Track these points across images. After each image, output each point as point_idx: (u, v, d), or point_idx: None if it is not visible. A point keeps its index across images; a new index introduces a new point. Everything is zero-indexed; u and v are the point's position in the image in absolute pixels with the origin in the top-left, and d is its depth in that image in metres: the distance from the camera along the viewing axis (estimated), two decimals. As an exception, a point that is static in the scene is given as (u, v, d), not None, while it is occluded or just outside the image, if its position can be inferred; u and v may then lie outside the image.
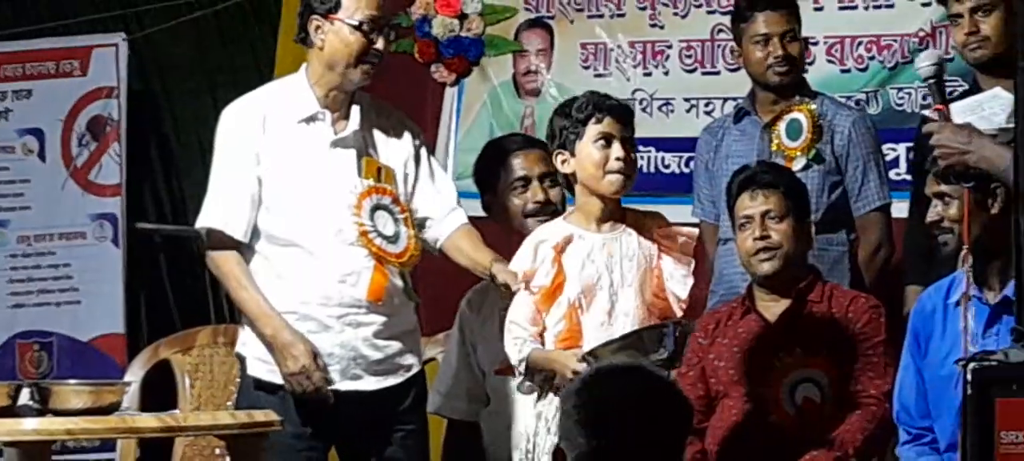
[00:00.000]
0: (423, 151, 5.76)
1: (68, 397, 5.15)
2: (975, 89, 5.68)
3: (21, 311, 8.14)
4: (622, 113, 5.30)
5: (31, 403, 5.09)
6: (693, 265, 5.41)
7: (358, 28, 5.40)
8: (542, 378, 5.26)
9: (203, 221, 5.56)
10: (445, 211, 5.67)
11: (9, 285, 8.20)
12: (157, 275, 8.48)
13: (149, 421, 5.62)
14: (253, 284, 5.51)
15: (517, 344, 5.18)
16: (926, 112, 5.49)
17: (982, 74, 5.72)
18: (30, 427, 4.98)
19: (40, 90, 8.18)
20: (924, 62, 5.25)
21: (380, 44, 5.45)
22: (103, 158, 8.07)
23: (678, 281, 5.32)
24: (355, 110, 5.51)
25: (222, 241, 5.50)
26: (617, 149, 5.17)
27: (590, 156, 5.17)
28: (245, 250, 5.53)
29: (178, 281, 8.49)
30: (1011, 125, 4.79)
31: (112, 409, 5.27)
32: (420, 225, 5.61)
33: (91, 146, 8.09)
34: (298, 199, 5.48)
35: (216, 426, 5.55)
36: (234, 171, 5.53)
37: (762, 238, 5.53)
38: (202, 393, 6.61)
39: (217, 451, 6.44)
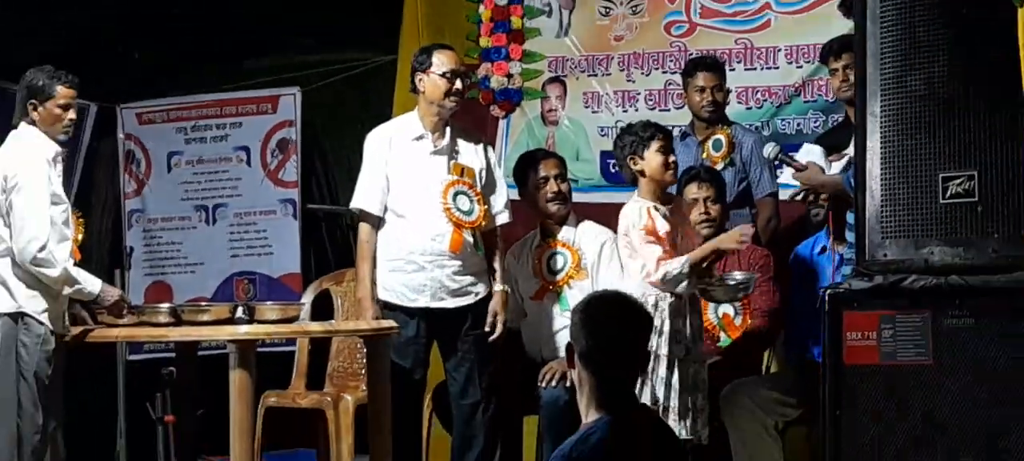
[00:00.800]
0: (492, 160, 6.05)
1: (265, 312, 5.59)
2: (848, 123, 5.78)
3: (236, 259, 8.29)
4: (668, 134, 5.49)
5: (243, 316, 5.50)
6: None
7: (443, 76, 5.77)
8: (707, 265, 5.36)
9: (355, 203, 5.96)
10: (497, 208, 6.00)
11: (229, 244, 8.32)
12: (320, 236, 8.62)
13: (316, 326, 6.27)
14: (368, 258, 5.87)
15: (676, 265, 5.18)
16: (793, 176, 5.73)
17: (848, 106, 5.80)
18: (243, 331, 5.36)
19: (247, 122, 8.36)
20: (768, 150, 5.76)
21: (459, 85, 5.82)
22: (287, 164, 8.25)
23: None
24: (447, 131, 5.87)
25: (365, 215, 5.89)
26: (671, 157, 5.38)
27: (657, 159, 5.31)
28: (378, 221, 5.89)
29: (333, 239, 8.66)
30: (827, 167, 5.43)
31: (293, 320, 5.76)
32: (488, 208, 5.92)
33: (279, 157, 8.28)
34: (408, 188, 5.84)
35: (358, 330, 6.02)
36: (372, 171, 5.91)
37: (704, 213, 5.86)
38: (348, 310, 6.77)
39: (358, 345, 6.60)
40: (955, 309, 3.75)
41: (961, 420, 3.72)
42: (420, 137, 5.91)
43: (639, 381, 4.92)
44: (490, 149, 6.18)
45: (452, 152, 5.92)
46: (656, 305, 5.19)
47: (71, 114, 5.67)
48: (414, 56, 6.02)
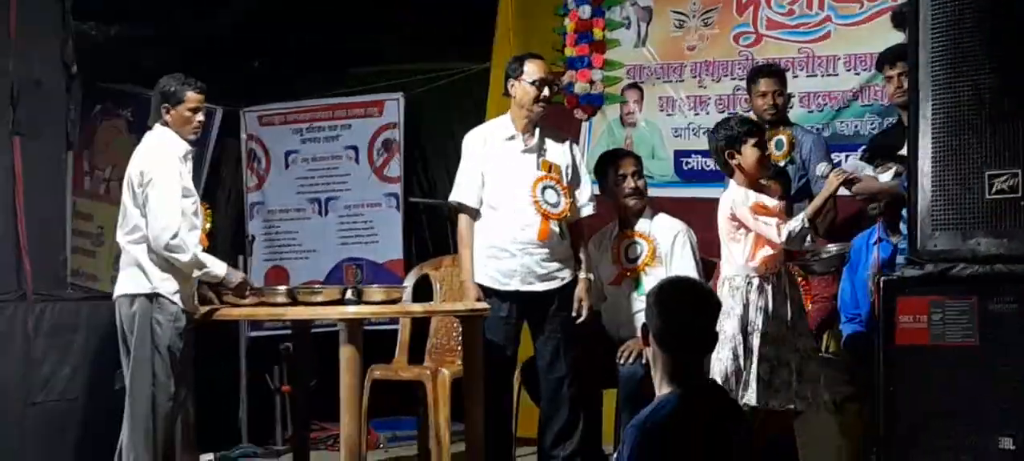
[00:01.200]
0: (577, 157, 6.08)
1: (372, 294, 5.65)
2: (901, 124, 5.75)
3: (345, 246, 8.36)
4: (762, 130, 5.48)
5: (352, 297, 5.57)
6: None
7: (533, 84, 5.84)
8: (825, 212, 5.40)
9: (453, 196, 6.01)
10: (582, 201, 6.01)
11: (339, 233, 8.39)
12: (420, 226, 8.72)
13: (416, 307, 6.36)
14: (469, 245, 5.92)
15: (795, 222, 5.13)
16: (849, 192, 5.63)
17: (902, 111, 5.69)
18: (352, 311, 5.43)
19: (355, 124, 8.44)
20: (821, 170, 5.65)
21: (546, 92, 5.86)
22: (391, 162, 8.32)
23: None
24: (537, 132, 5.92)
25: (463, 207, 5.96)
26: (766, 151, 5.38)
27: (754, 154, 5.25)
28: (475, 212, 5.94)
29: (432, 229, 8.75)
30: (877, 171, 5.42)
31: (396, 301, 5.81)
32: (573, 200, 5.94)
33: (384, 155, 8.35)
34: (502, 183, 5.90)
35: (454, 310, 6.12)
36: (469, 168, 5.97)
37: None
38: (446, 292, 6.85)
39: (455, 324, 6.64)
40: (1000, 295, 3.73)
41: (1004, 398, 3.69)
42: (512, 137, 5.95)
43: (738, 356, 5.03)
44: (576, 147, 6.20)
45: (541, 150, 5.94)
46: (760, 287, 5.16)
47: (200, 116, 5.75)
48: (508, 63, 6.06)
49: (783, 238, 5.14)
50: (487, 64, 8.17)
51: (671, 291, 3.72)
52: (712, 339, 3.76)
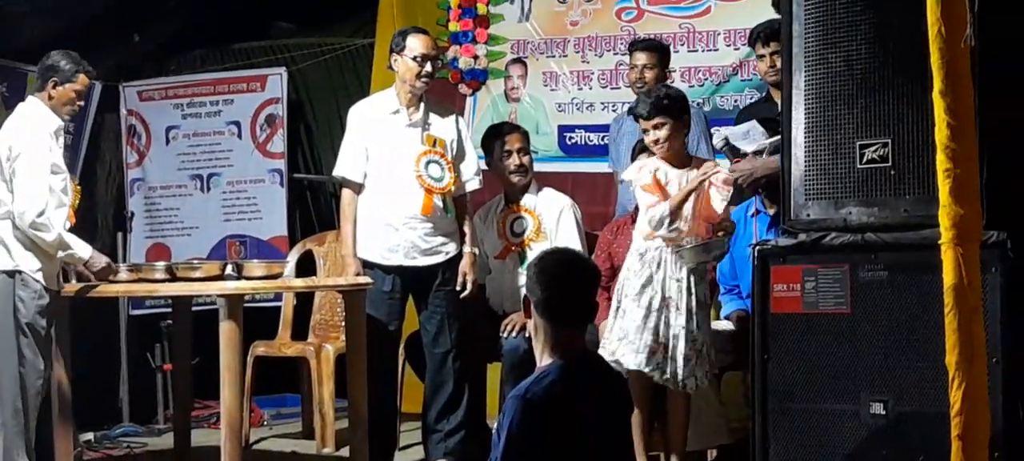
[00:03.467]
0: (463, 131, 6.05)
1: (253, 269, 5.61)
2: (769, 99, 5.88)
3: (229, 223, 8.27)
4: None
5: (232, 273, 5.56)
6: (731, 191, 5.24)
7: (414, 59, 5.77)
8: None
9: (337, 171, 5.98)
10: (467, 176, 6.00)
11: (223, 210, 8.29)
12: (305, 202, 8.66)
13: (297, 282, 6.33)
14: (350, 219, 5.87)
15: (659, 209, 5.11)
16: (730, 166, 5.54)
17: (773, 89, 5.76)
18: (231, 286, 5.40)
19: (239, 99, 8.31)
20: (718, 142, 5.67)
21: (429, 68, 5.81)
22: (274, 137, 8.22)
23: (718, 200, 5.20)
24: (421, 106, 5.87)
25: (347, 182, 5.92)
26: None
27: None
28: (358, 187, 5.88)
29: (317, 205, 8.72)
30: (768, 140, 5.31)
31: (278, 276, 5.79)
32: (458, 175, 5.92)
33: (267, 130, 8.23)
34: (386, 157, 5.85)
35: (336, 285, 6.10)
36: (353, 142, 5.92)
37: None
38: (329, 268, 6.88)
39: (338, 300, 6.58)
40: (870, 263, 3.78)
41: (874, 363, 3.73)
42: (396, 111, 5.91)
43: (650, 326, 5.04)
44: (461, 121, 6.18)
45: (425, 125, 5.91)
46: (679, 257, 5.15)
47: (81, 102, 5.74)
48: (393, 37, 6.00)
49: (643, 222, 5.21)
50: (371, 39, 8.13)
51: (552, 262, 3.73)
52: (593, 308, 3.79)
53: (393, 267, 5.87)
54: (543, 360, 3.63)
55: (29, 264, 5.45)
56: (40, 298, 5.49)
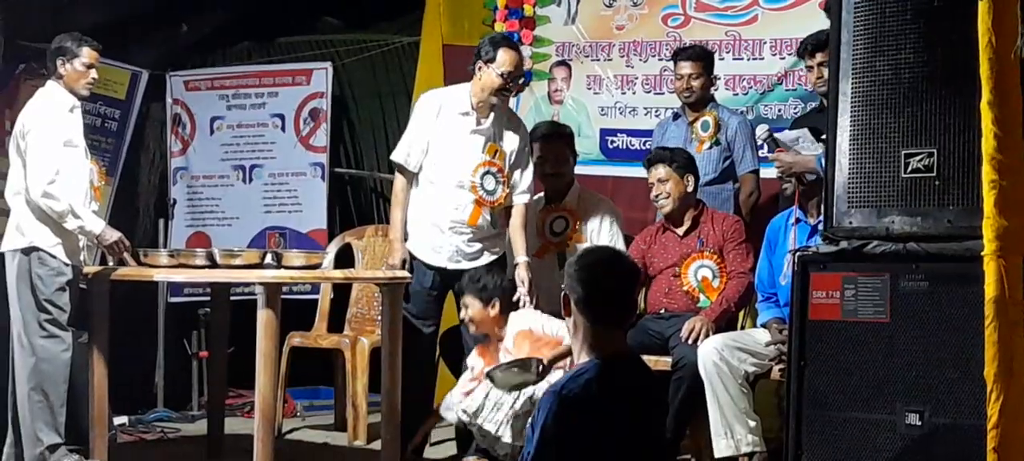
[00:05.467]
0: (526, 146, 6.03)
1: (292, 259, 5.66)
2: (822, 109, 5.65)
3: (269, 214, 8.30)
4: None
5: (271, 261, 5.59)
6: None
7: (501, 75, 5.77)
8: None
9: (395, 155, 5.96)
10: (520, 189, 5.98)
11: (263, 201, 8.32)
12: (345, 196, 8.70)
13: (336, 273, 6.39)
14: (402, 206, 5.89)
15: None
16: (769, 155, 5.68)
17: (824, 99, 5.56)
18: (270, 275, 5.40)
19: (283, 92, 8.35)
20: (760, 132, 5.73)
21: (511, 86, 5.87)
22: (317, 131, 8.25)
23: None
24: (492, 115, 5.87)
25: (402, 169, 5.93)
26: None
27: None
28: (412, 177, 5.91)
29: (356, 199, 8.76)
30: (817, 150, 5.31)
31: (316, 267, 5.87)
32: (512, 188, 5.95)
33: (311, 124, 8.27)
34: (444, 158, 5.87)
35: (375, 278, 6.07)
36: (417, 132, 5.91)
37: (660, 194, 5.90)
38: (368, 261, 6.91)
39: (375, 294, 6.70)
40: (912, 273, 3.72)
41: (911, 374, 3.69)
42: (466, 113, 5.91)
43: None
44: (527, 137, 6.14)
45: (491, 134, 5.91)
46: None
47: (94, 74, 5.80)
48: (483, 42, 5.97)
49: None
50: (416, 37, 8.12)
51: (593, 260, 3.72)
52: (632, 308, 3.80)
53: (437, 267, 5.91)
54: (581, 358, 3.62)
55: (46, 240, 5.53)
56: (58, 275, 5.57)
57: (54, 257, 5.56)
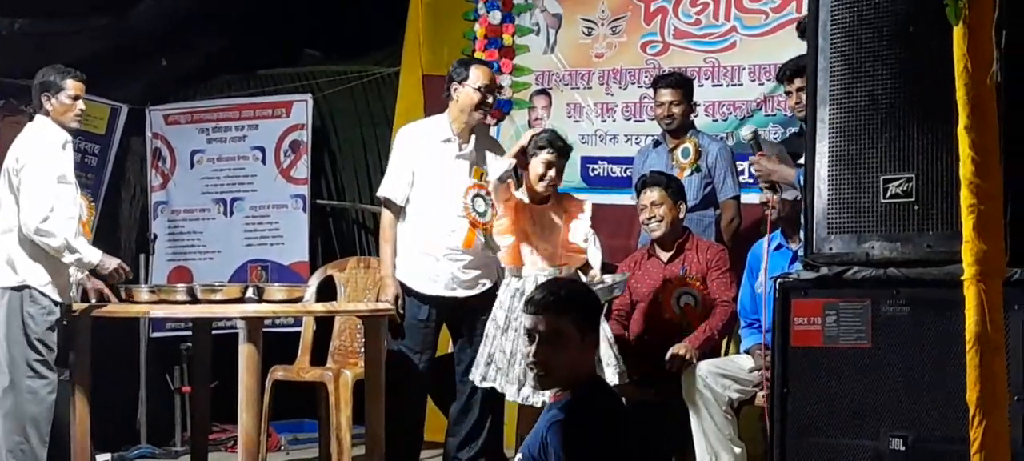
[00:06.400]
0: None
1: (273, 292, 5.61)
2: (802, 133, 5.49)
3: (251, 247, 8.32)
4: (562, 150, 5.67)
5: (252, 296, 5.57)
6: (590, 222, 5.68)
7: (478, 90, 5.81)
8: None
9: (381, 191, 5.96)
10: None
11: (245, 234, 8.34)
12: (327, 228, 8.70)
13: (317, 306, 6.33)
14: (391, 242, 5.87)
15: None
16: (751, 156, 5.60)
17: (803, 122, 5.07)
18: (252, 309, 5.39)
19: (263, 125, 8.38)
20: (745, 132, 5.57)
21: (490, 99, 5.89)
22: (298, 163, 8.27)
23: (578, 233, 5.67)
24: (473, 138, 5.90)
25: (389, 203, 5.91)
26: (548, 172, 5.60)
27: (536, 169, 5.60)
28: (399, 210, 5.88)
29: (339, 231, 8.74)
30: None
31: (298, 300, 5.77)
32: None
33: (292, 156, 8.29)
34: (432, 186, 5.86)
35: (357, 310, 6.10)
36: (400, 165, 5.91)
37: (652, 217, 5.90)
38: (350, 293, 6.85)
39: (358, 326, 6.62)
40: (893, 298, 3.72)
41: (894, 400, 3.68)
42: (447, 140, 5.92)
43: None
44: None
45: (475, 158, 5.92)
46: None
47: (81, 105, 5.78)
48: (453, 67, 6.01)
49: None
50: (396, 68, 8.14)
51: (552, 286, 3.79)
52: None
53: (432, 297, 5.89)
54: (569, 379, 3.66)
55: (37, 278, 5.50)
56: (49, 314, 5.56)
57: (45, 295, 5.55)
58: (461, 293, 5.88)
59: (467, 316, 5.92)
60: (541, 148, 5.63)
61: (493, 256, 5.90)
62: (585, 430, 3.47)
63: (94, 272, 5.69)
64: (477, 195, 5.83)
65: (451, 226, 5.81)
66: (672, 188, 5.97)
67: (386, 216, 5.97)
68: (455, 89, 5.89)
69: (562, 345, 3.61)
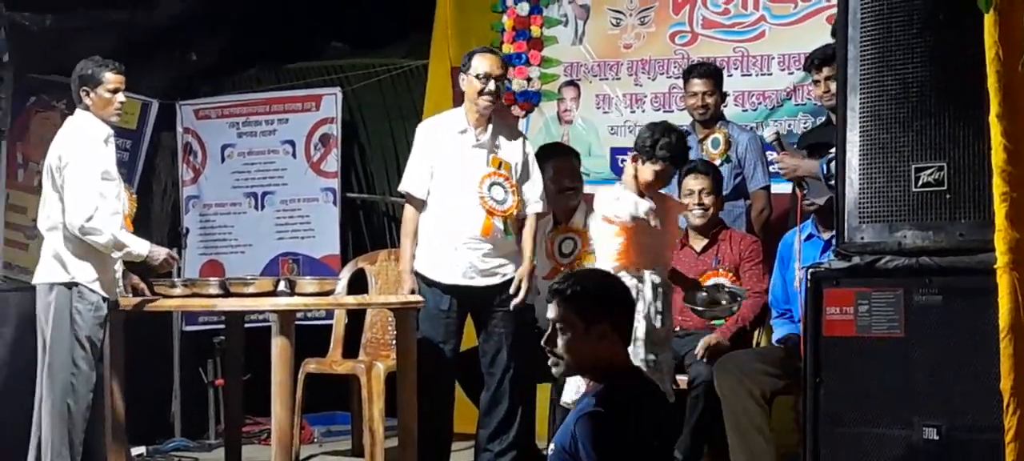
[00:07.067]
0: (529, 154, 6.06)
1: (305, 286, 5.68)
2: (829, 123, 5.77)
3: (282, 241, 8.33)
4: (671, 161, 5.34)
5: (284, 289, 5.59)
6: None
7: (477, 77, 5.83)
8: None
9: (402, 186, 6.02)
10: (531, 199, 5.99)
11: (275, 228, 8.35)
12: (357, 221, 8.73)
13: (349, 299, 6.42)
14: (411, 235, 5.91)
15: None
16: (773, 154, 5.80)
17: (831, 113, 5.58)
18: (284, 302, 5.45)
19: (293, 119, 8.37)
20: (769, 132, 5.72)
21: (492, 86, 5.83)
22: (328, 156, 8.26)
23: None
24: (489, 128, 5.91)
25: (410, 198, 5.96)
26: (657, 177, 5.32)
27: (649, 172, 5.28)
28: (421, 204, 5.92)
29: (369, 224, 8.78)
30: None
31: (329, 293, 5.88)
32: (523, 199, 5.96)
33: (321, 150, 8.28)
34: (451, 177, 5.88)
35: (388, 302, 6.16)
36: (419, 159, 5.96)
37: (699, 204, 5.91)
38: (381, 286, 6.88)
39: (390, 319, 6.63)
40: (925, 287, 3.70)
41: (927, 389, 3.67)
42: (464, 131, 5.95)
43: None
44: (528, 144, 6.17)
45: (492, 146, 5.93)
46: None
47: (120, 98, 5.74)
48: (462, 59, 6.05)
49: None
50: (425, 61, 8.16)
51: (623, 284, 3.83)
52: (631, 329, 3.85)
53: (451, 286, 5.89)
54: (597, 373, 3.68)
55: (85, 275, 5.50)
56: (98, 310, 5.55)
57: (94, 292, 5.55)
58: (480, 282, 5.89)
59: (488, 305, 5.93)
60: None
61: (514, 245, 5.92)
62: (612, 420, 3.47)
63: (143, 264, 5.70)
64: (494, 183, 5.86)
65: (469, 215, 5.84)
66: (717, 179, 6.00)
67: (408, 211, 6.01)
68: (462, 79, 5.96)
69: (568, 333, 3.63)
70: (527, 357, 5.97)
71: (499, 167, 5.89)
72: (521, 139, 6.09)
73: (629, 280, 5.19)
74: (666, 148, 5.24)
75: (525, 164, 6.02)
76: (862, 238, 3.87)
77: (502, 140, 5.98)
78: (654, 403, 3.70)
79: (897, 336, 3.75)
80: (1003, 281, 2.95)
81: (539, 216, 6.07)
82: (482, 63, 5.88)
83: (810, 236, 5.67)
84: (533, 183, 6.05)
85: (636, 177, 5.30)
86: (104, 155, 5.59)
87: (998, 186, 2.97)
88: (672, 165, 5.35)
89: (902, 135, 3.76)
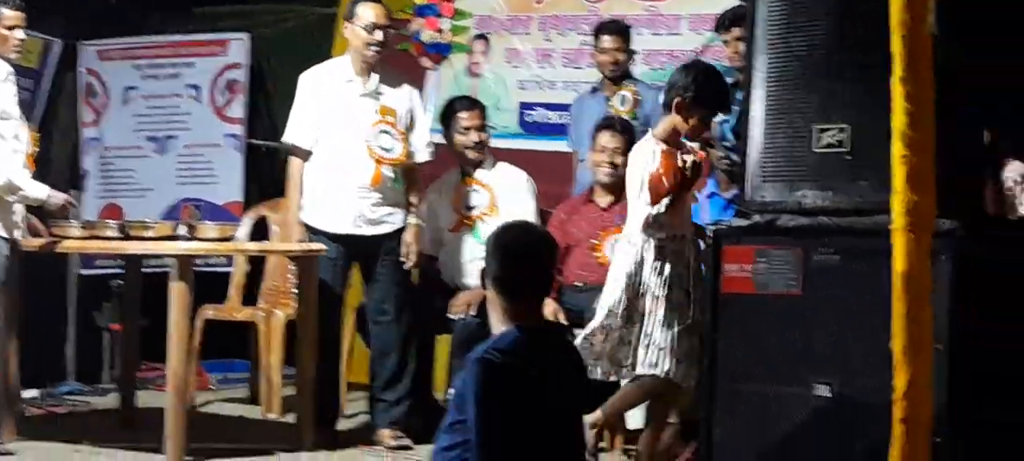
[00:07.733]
0: (417, 103, 6.03)
1: (206, 231, 5.60)
2: (737, 85, 5.36)
3: (184, 186, 8.19)
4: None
5: (185, 233, 5.52)
6: None
7: (364, 28, 5.78)
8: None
9: (286, 137, 5.97)
10: (418, 147, 5.96)
11: (178, 173, 8.22)
12: (261, 168, 8.41)
13: (250, 245, 6.41)
14: (297, 186, 5.85)
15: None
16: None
17: (740, 74, 5.35)
18: (183, 246, 5.37)
19: (199, 63, 8.25)
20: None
21: (379, 36, 5.78)
22: (233, 101, 8.16)
23: None
24: (374, 76, 5.85)
25: (296, 149, 5.90)
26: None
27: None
28: (306, 154, 5.85)
29: (272, 171, 8.13)
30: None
31: (229, 239, 5.84)
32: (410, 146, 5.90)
33: (227, 95, 8.17)
34: (337, 125, 5.83)
35: (289, 250, 6.03)
36: (304, 108, 5.92)
37: (610, 162, 5.86)
38: (283, 234, 6.56)
39: (290, 268, 6.54)
40: (823, 247, 3.76)
41: (822, 346, 3.74)
42: (350, 80, 5.90)
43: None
44: (416, 93, 6.14)
45: (378, 94, 5.89)
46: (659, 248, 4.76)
47: (19, 34, 5.64)
48: (346, 6, 5.98)
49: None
50: (334, 9, 8.04)
51: (509, 234, 3.72)
52: (549, 283, 3.78)
53: (339, 235, 5.86)
54: (498, 328, 3.61)
55: None
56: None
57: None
58: (367, 231, 5.87)
59: (375, 254, 5.90)
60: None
61: (402, 194, 5.91)
62: (500, 368, 3.43)
63: (41, 207, 5.61)
64: (382, 131, 5.83)
65: (357, 164, 5.80)
66: (631, 140, 5.88)
67: (293, 163, 5.94)
68: (346, 29, 5.92)
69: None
70: (426, 308, 6.02)
71: (386, 115, 5.86)
72: (407, 86, 6.06)
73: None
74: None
75: (412, 112, 6.00)
76: (763, 197, 3.93)
77: (387, 88, 5.94)
78: (561, 359, 3.68)
79: (795, 294, 3.81)
80: (898, 242, 2.95)
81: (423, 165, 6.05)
82: (368, 12, 5.82)
83: (712, 194, 5.73)
84: (419, 131, 6.03)
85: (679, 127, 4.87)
86: (3, 93, 5.47)
87: (898, 149, 2.97)
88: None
89: (806, 96, 3.83)
